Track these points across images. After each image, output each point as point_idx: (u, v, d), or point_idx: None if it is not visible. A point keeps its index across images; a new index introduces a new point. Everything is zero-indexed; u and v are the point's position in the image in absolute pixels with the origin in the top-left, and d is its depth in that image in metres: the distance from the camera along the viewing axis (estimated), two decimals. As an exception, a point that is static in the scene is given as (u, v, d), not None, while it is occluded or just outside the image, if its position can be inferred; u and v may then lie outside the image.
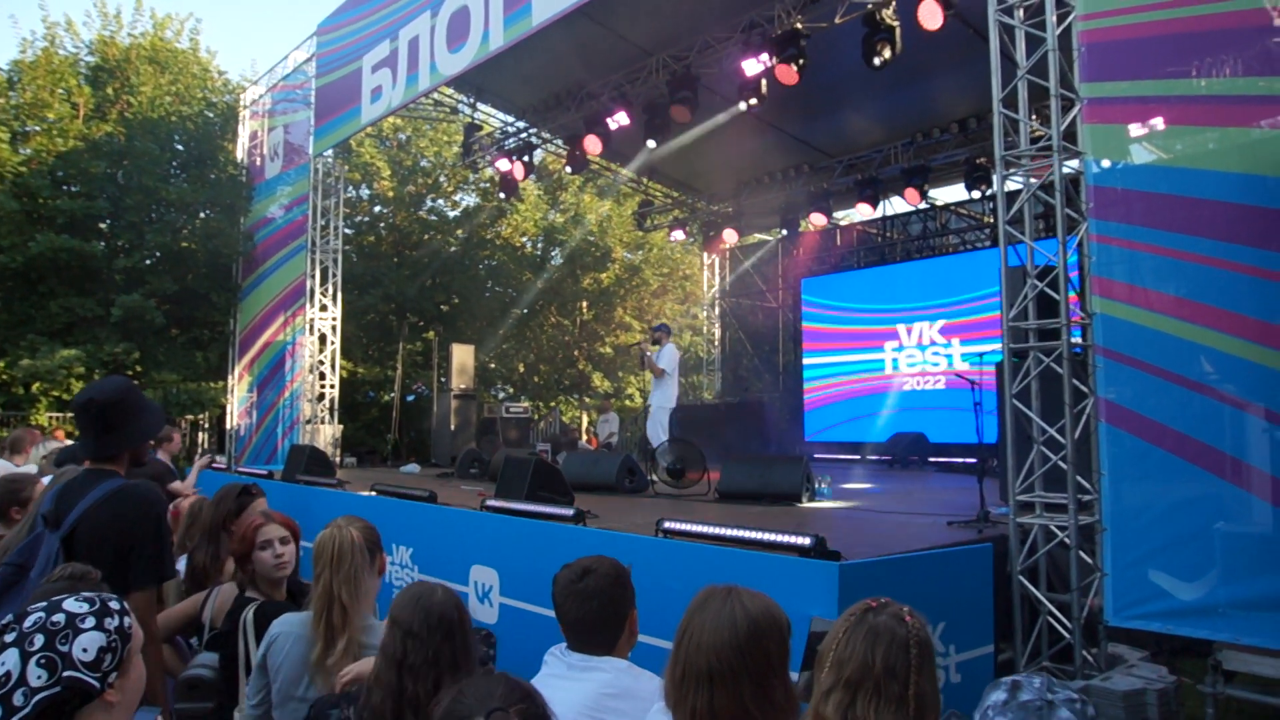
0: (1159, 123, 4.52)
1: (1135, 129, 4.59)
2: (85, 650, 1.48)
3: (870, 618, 1.67)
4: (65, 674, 1.45)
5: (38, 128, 14.27)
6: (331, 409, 12.96)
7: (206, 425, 16.26)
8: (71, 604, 1.52)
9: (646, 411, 9.28)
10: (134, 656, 1.57)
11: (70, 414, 13.53)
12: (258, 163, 14.76)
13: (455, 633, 2.07)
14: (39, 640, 1.45)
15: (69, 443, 7.08)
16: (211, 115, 16.09)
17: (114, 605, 1.55)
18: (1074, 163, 4.70)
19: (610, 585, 2.33)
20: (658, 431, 9.01)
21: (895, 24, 8.14)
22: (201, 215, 15.27)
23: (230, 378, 14.85)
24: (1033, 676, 1.57)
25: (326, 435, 12.65)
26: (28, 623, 1.47)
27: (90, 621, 1.50)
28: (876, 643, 1.62)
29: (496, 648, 3.13)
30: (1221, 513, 4.11)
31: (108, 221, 14.79)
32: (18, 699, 1.42)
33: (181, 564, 3.86)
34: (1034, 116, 4.94)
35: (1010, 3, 4.95)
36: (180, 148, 15.63)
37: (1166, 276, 4.34)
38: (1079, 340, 4.66)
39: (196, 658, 3.00)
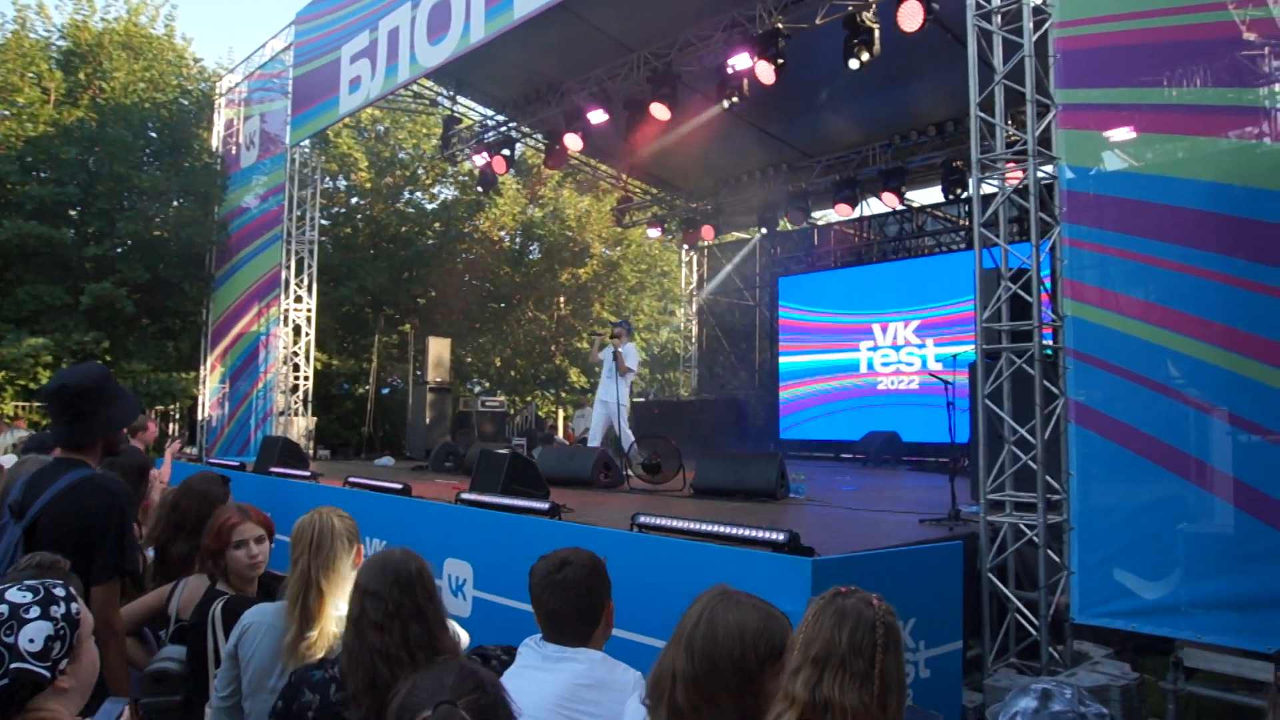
0: (1131, 130, 4.59)
1: (1108, 135, 4.66)
2: (32, 640, 1.46)
3: (839, 601, 1.73)
4: (12, 665, 1.43)
5: (6, 112, 13.99)
6: (305, 401, 12.84)
7: (177, 416, 16.03)
8: (14, 594, 1.49)
9: (607, 408, 9.10)
10: (85, 641, 1.55)
11: (37, 403, 13.30)
12: (233, 151, 14.57)
13: (414, 585, 2.15)
14: None
15: (32, 432, 6.96)
16: (186, 103, 15.86)
17: (59, 592, 1.53)
18: (1048, 168, 4.76)
19: (588, 576, 2.35)
20: (626, 426, 8.96)
21: (875, 26, 8.20)
22: (175, 204, 15.04)
23: (202, 368, 14.65)
24: (1063, 686, 1.61)
25: (300, 427, 12.54)
26: None
27: (35, 611, 1.48)
28: (842, 622, 1.67)
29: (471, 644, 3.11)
30: (1185, 514, 4.20)
31: (78, 209, 14.54)
32: None
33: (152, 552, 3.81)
34: (1010, 121, 5.01)
35: (988, 8, 5.00)
36: (154, 135, 15.39)
37: (1136, 281, 4.41)
38: (1050, 342, 4.73)
39: (162, 650, 2.96)
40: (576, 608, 2.30)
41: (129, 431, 7.06)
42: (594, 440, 9.10)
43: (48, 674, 1.46)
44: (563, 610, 2.30)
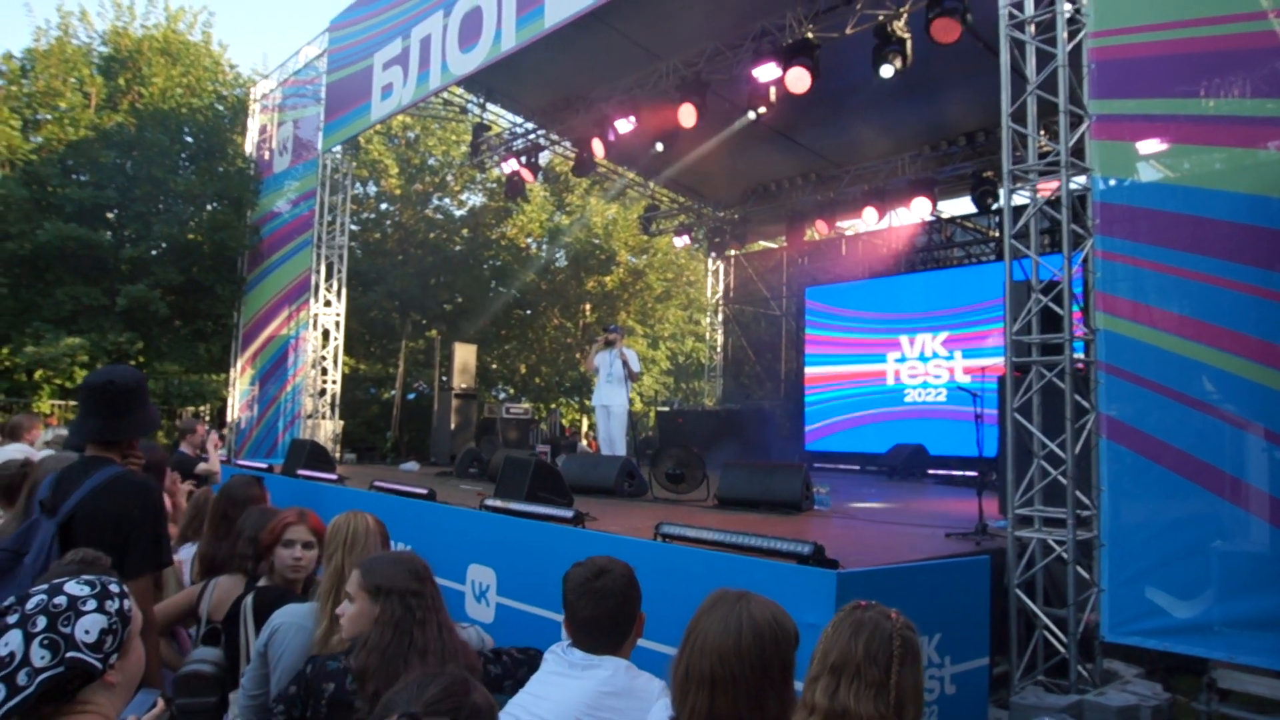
0: (1167, 141, 4.54)
1: (1143, 147, 4.61)
2: (87, 632, 1.50)
3: (858, 613, 1.76)
4: (68, 654, 1.48)
5: (49, 116, 14.32)
6: (333, 405, 12.97)
7: (208, 417, 16.28)
8: (73, 587, 1.54)
9: (607, 414, 9.06)
10: (134, 639, 1.59)
11: (73, 402, 13.57)
12: (266, 157, 14.80)
13: (432, 579, 2.26)
14: (41, 622, 1.48)
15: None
16: (221, 108, 16.15)
17: (114, 588, 1.58)
18: (1081, 179, 4.72)
19: (625, 586, 2.38)
20: (623, 435, 8.92)
21: (906, 36, 8.17)
22: (209, 207, 15.30)
23: (232, 370, 14.86)
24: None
25: (327, 431, 12.66)
26: (30, 605, 1.50)
27: (92, 604, 1.53)
28: (859, 632, 1.71)
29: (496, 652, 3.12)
30: (1219, 531, 4.12)
31: (115, 211, 14.84)
32: (21, 679, 1.44)
33: (184, 552, 3.88)
34: (1043, 132, 4.97)
35: (1021, 18, 4.97)
36: (189, 140, 15.68)
37: (1171, 294, 4.35)
38: (1081, 356, 4.67)
39: (194, 652, 3.01)
40: (613, 616, 2.32)
41: (180, 436, 7.25)
42: (618, 449, 9.07)
43: (99, 665, 1.51)
44: (599, 617, 2.31)
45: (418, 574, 2.21)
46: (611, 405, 8.99)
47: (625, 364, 8.86)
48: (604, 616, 2.31)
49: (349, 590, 2.23)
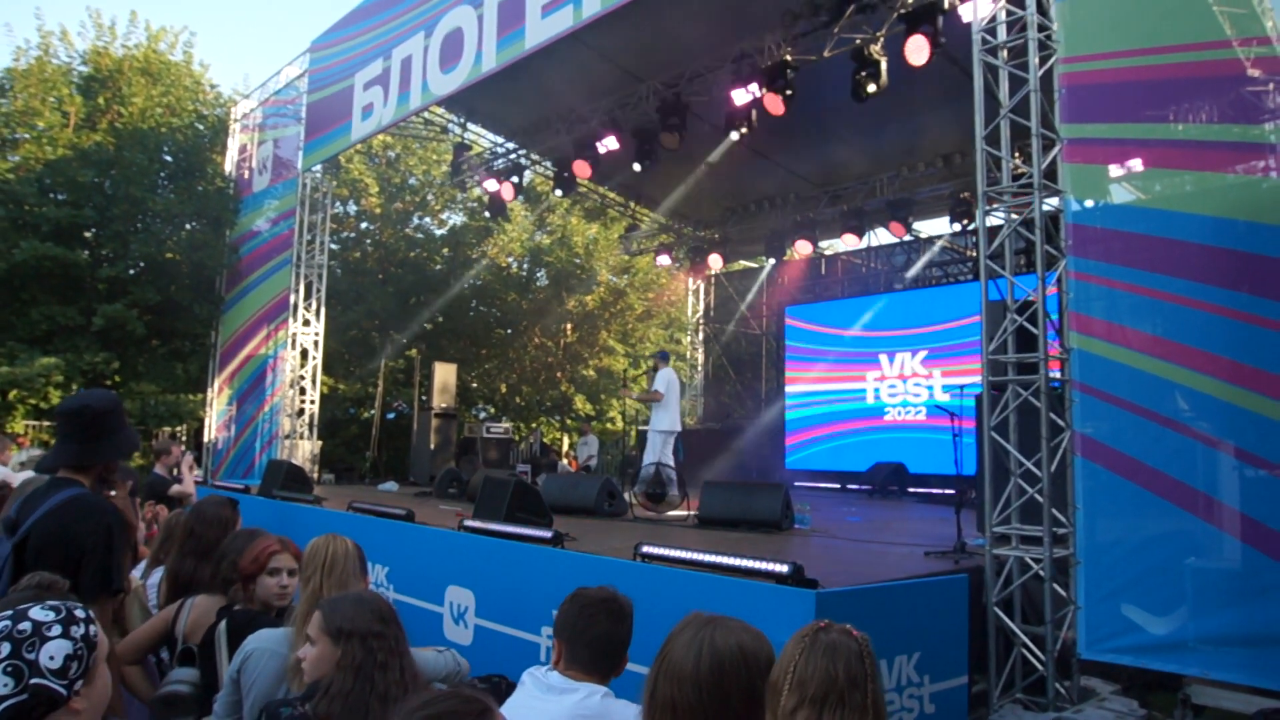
0: (1137, 164, 4.62)
1: (1114, 170, 4.69)
2: (52, 658, 1.47)
3: (823, 636, 1.72)
4: (32, 681, 1.45)
5: (27, 135, 14.18)
6: (311, 425, 12.86)
7: (184, 438, 16.07)
8: (38, 612, 1.51)
9: (643, 436, 9.28)
10: (100, 665, 1.56)
11: (47, 423, 13.35)
12: (246, 176, 14.73)
13: (396, 618, 2.21)
14: (5, 648, 1.45)
15: (44, 451, 7.05)
16: (201, 128, 16.05)
17: (80, 614, 1.55)
18: (1054, 200, 4.79)
19: (630, 615, 2.40)
20: (651, 455, 8.91)
21: (882, 59, 8.29)
22: (187, 227, 15.18)
23: (210, 390, 14.70)
24: None
25: (305, 451, 12.54)
26: None
27: (57, 630, 1.50)
28: (835, 656, 1.67)
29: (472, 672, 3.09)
30: (1193, 548, 4.16)
31: (93, 230, 14.68)
32: None
33: (154, 578, 3.81)
34: (1016, 154, 5.04)
35: (994, 43, 5.06)
36: (169, 159, 15.56)
37: (1143, 314, 4.42)
38: (1057, 375, 4.72)
39: (173, 673, 2.96)
40: (620, 640, 2.34)
41: (155, 456, 7.16)
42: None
43: (64, 692, 1.48)
44: (606, 639, 2.32)
45: (381, 615, 2.17)
46: (649, 427, 9.13)
47: (642, 388, 9.12)
48: (615, 639, 2.33)
49: (310, 633, 2.19)
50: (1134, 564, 4.29)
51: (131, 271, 14.60)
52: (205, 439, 14.55)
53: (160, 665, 3.20)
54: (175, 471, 6.82)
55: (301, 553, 3.08)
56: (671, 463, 8.71)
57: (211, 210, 14.82)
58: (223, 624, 2.82)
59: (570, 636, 2.34)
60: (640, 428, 15.69)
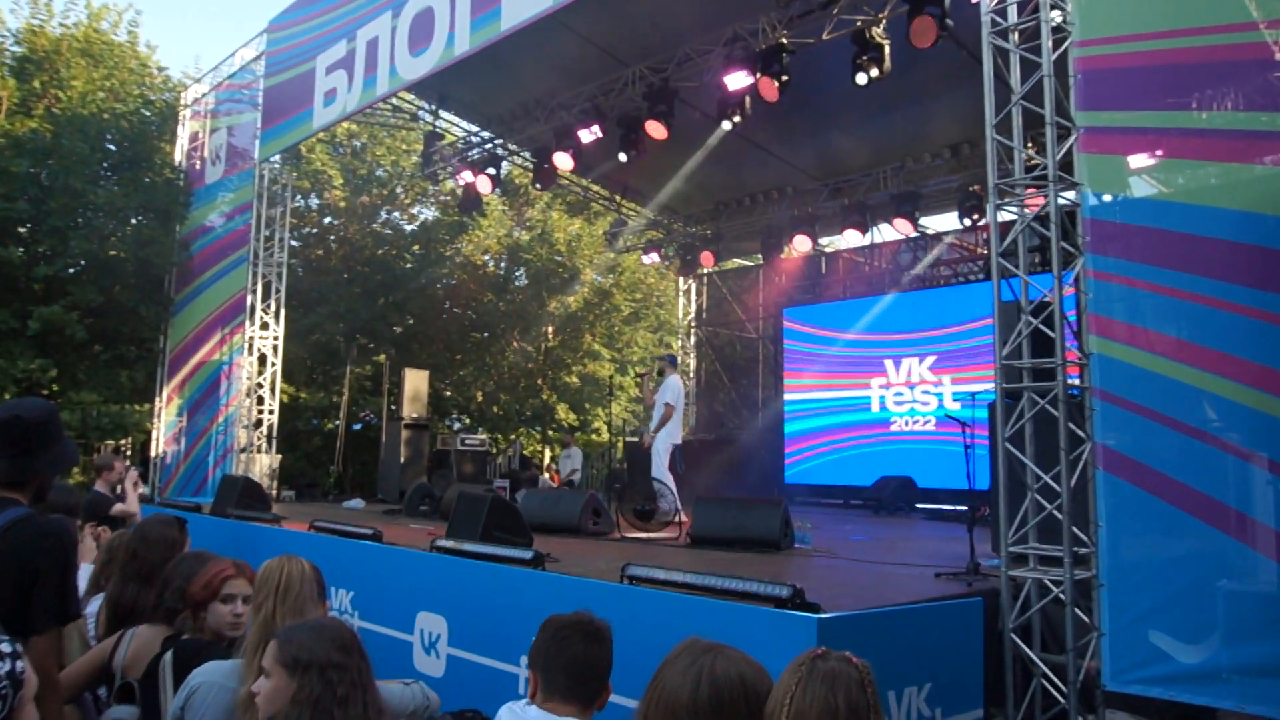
0: (1159, 155, 4.64)
1: (1134, 160, 4.71)
2: None
3: (821, 664, 1.73)
4: None
5: (-46, 122, 14.05)
6: (269, 437, 12.77)
7: (129, 452, 15.92)
8: None
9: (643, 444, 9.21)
10: (26, 706, 1.53)
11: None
12: (197, 166, 14.64)
13: (359, 647, 2.19)
14: None
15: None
16: (148, 114, 15.93)
17: (5, 648, 1.52)
18: (1070, 194, 4.80)
19: (608, 638, 2.42)
20: (660, 469, 8.87)
21: (885, 42, 8.32)
22: (133, 221, 15.06)
23: (157, 400, 14.58)
24: None
25: (263, 466, 12.46)
26: None
27: None
28: (835, 685, 1.68)
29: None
30: (1225, 570, 4.16)
31: (28, 226, 14.53)
32: None
33: (93, 606, 3.75)
34: (1029, 144, 5.06)
35: (1005, 25, 5.08)
36: (112, 148, 15.44)
37: (1167, 317, 4.42)
38: (1076, 382, 4.73)
39: (109, 712, 2.91)
40: (599, 664, 2.35)
41: (96, 472, 7.07)
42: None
43: None
44: (582, 662, 2.32)
45: (342, 644, 2.14)
46: (653, 438, 9.00)
47: (649, 394, 9.24)
48: (590, 662, 2.33)
49: (264, 664, 2.16)
50: (1162, 587, 4.28)
51: (71, 270, 14.45)
52: (152, 453, 14.42)
53: (98, 703, 3.15)
54: (118, 489, 6.74)
55: (255, 577, 3.04)
56: (670, 478, 8.71)
57: (159, 203, 14.70)
58: (168, 655, 2.78)
59: (544, 664, 2.34)
60: (629, 439, 15.69)
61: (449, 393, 19.68)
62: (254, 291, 12.67)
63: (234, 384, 12.64)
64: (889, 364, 13.26)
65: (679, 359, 10.86)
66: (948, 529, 8.87)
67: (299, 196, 17.68)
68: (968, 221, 11.91)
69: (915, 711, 3.67)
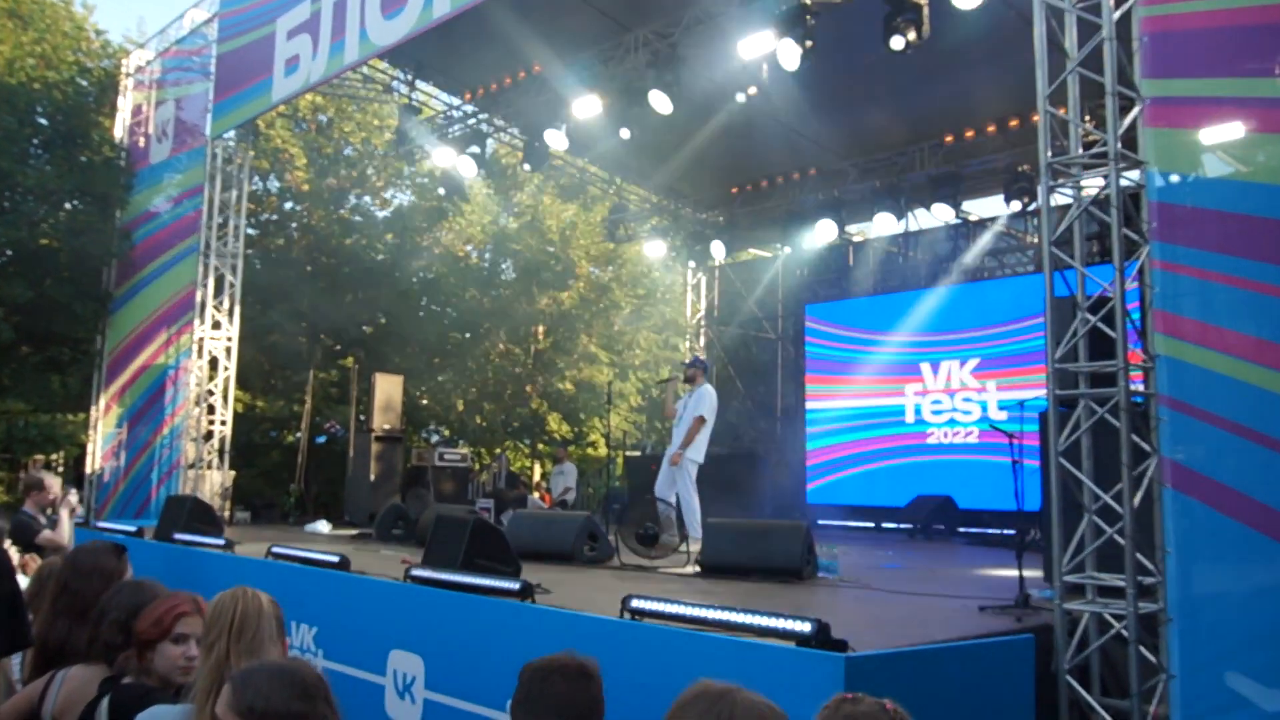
0: (1238, 129, 4.63)
1: (1208, 135, 4.69)
2: None
3: (848, 707, 1.74)
4: None
5: None
6: (222, 451, 12.78)
7: (61, 468, 15.94)
8: None
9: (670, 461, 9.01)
10: None
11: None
12: (141, 144, 14.67)
13: (324, 692, 2.17)
14: None
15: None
16: (85, 84, 15.97)
17: None
18: (1134, 174, 4.79)
19: (595, 676, 2.46)
20: (688, 490, 8.82)
21: (924, 3, 8.31)
22: (67, 206, 15.11)
23: (94, 409, 14.60)
24: None
25: (214, 484, 12.47)
26: None
27: None
28: None
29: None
30: (1315, 603, 4.15)
31: (-53, 211, 14.59)
32: None
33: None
34: (1087, 118, 5.05)
35: (1060, -19, 5.07)
36: (43, 122, 15.49)
37: (1246, 314, 4.41)
38: (1140, 389, 4.71)
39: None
40: (586, 705, 2.37)
41: (24, 491, 7.06)
42: (689, 512, 8.85)
43: None
44: (567, 703, 2.34)
45: (305, 689, 2.12)
46: (680, 455, 8.88)
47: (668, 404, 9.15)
48: (575, 702, 2.34)
49: (218, 712, 2.15)
50: (1241, 622, 4.27)
51: (-3, 262, 14.50)
52: (88, 469, 14.44)
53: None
54: (51, 511, 6.73)
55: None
56: (696, 500, 8.66)
57: (97, 186, 14.73)
58: (105, 701, 2.76)
59: (524, 712, 2.36)
60: (629, 453, 15.69)
61: (426, 401, 19.70)
62: (204, 286, 12.68)
63: (181, 391, 12.64)
64: (926, 368, 13.24)
65: (710, 365, 10.65)
66: (993, 556, 8.87)
67: (257, 178, 17.69)
68: (1016, 206, 11.89)
69: (958, 764, 3.66)
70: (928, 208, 12.69)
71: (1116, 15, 4.83)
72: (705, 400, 8.99)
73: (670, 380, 9.49)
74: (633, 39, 10.43)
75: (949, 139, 12.16)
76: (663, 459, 9.15)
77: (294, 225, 19.31)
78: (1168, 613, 4.43)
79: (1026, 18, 5.35)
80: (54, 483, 7.06)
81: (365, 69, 12.62)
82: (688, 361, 9.76)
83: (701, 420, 8.85)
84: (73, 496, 7.14)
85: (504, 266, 21.31)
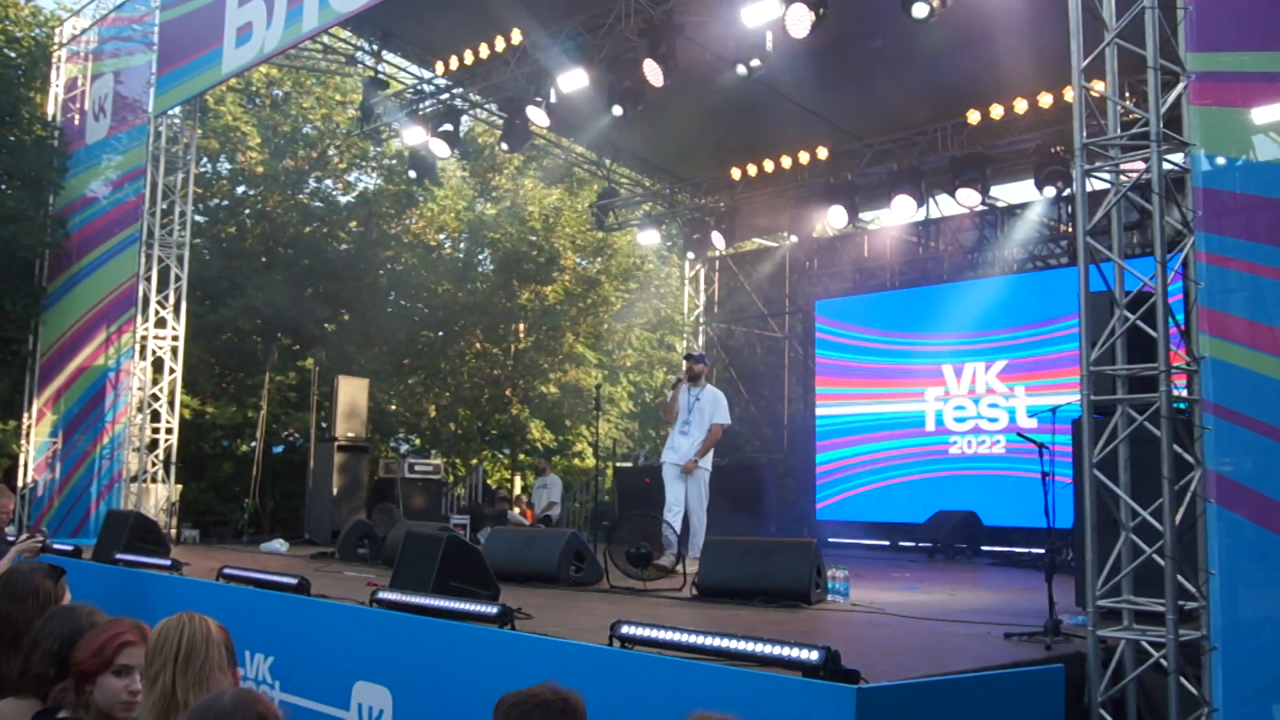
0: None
1: (1260, 115, 4.71)
2: None
3: None
4: None
5: None
6: (168, 462, 12.75)
7: (-10, 481, 15.89)
8: None
9: (678, 471, 8.84)
10: None
11: None
12: (76, 122, 14.64)
13: None
14: None
15: None
16: (12, 55, 15.94)
17: None
18: (1178, 156, 4.81)
19: (578, 710, 2.43)
20: (700, 502, 8.75)
21: (946, -33, 8.34)
22: (-6, 191, 15.06)
23: (26, 416, 14.56)
24: None
25: (159, 498, 12.44)
26: None
27: None
28: None
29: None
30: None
31: None
32: None
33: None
34: (1127, 94, 5.07)
35: (1096, -55, 5.09)
36: (-33, 98, 15.46)
37: (1302, 313, 4.43)
38: (1183, 394, 4.73)
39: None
40: None
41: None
42: (696, 524, 8.77)
43: None
44: None
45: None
46: (678, 463, 8.77)
47: (667, 405, 9.08)
48: None
49: None
50: (1291, 650, 4.29)
51: (-84, 253, 14.45)
52: (20, 482, 14.39)
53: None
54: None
55: None
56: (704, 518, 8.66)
57: (28, 168, 14.70)
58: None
59: None
60: (620, 464, 15.70)
61: (394, 406, 19.66)
62: (147, 279, 12.65)
63: (123, 396, 12.63)
64: (948, 370, 13.27)
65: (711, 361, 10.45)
66: (1020, 577, 8.91)
67: (205, 159, 17.67)
68: (1049, 191, 11.92)
69: (982, 807, 3.68)
70: (951, 193, 12.71)
71: (1159, -19, 4.87)
72: (721, 403, 8.97)
73: (678, 382, 9.35)
74: (624, 5, 10.43)
75: (975, 117, 12.18)
76: (662, 470, 8.99)
77: (247, 211, 19.26)
78: (1211, 641, 4.46)
79: (1059, -16, 5.37)
80: (11, 501, 7.05)
81: (326, 38, 12.63)
82: (695, 355, 9.60)
83: (717, 428, 8.76)
84: (33, 542, 7.12)
85: (481, 257, 21.28)
